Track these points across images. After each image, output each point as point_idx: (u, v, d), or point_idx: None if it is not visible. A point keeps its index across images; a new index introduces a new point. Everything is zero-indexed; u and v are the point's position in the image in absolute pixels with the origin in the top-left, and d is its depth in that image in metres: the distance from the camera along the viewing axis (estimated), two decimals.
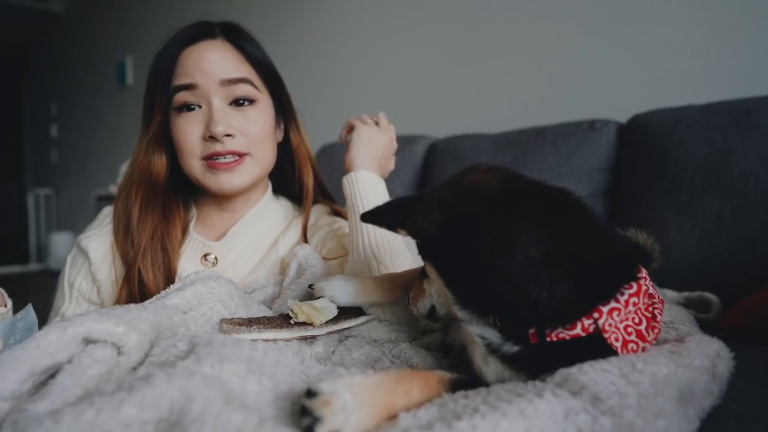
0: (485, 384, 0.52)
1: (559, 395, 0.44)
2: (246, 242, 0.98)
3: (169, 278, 0.89)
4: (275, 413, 0.44)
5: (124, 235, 0.92)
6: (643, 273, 0.56)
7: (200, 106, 0.89)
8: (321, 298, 0.72)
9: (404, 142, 1.85)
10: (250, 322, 0.68)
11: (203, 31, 0.92)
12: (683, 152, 1.29)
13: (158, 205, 0.93)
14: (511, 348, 0.52)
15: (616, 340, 0.50)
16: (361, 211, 0.84)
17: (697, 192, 1.26)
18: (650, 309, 0.55)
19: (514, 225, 0.50)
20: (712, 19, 1.59)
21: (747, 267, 1.16)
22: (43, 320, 0.72)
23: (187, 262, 0.94)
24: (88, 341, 0.50)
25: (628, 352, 0.52)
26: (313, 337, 0.67)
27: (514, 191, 0.54)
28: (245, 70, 0.92)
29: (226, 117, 0.88)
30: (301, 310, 0.68)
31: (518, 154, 1.59)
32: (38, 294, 3.59)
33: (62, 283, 0.94)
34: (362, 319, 0.74)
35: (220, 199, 0.97)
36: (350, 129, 0.98)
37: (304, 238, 0.99)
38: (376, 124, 0.98)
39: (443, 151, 1.82)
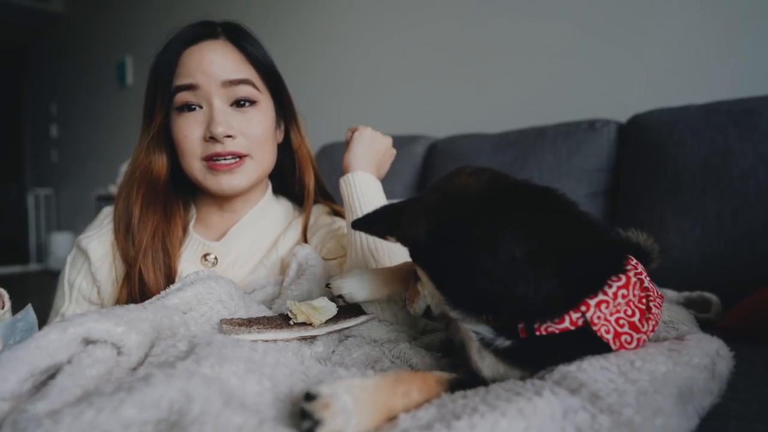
0: (484, 383, 0.52)
1: (557, 393, 0.44)
2: (246, 242, 0.98)
3: (170, 278, 0.89)
4: (275, 414, 0.44)
5: (124, 234, 0.92)
6: (636, 265, 0.57)
7: (201, 107, 0.89)
8: (320, 298, 0.72)
9: (404, 142, 1.86)
10: (249, 323, 0.68)
11: (205, 31, 0.92)
12: (683, 152, 1.29)
13: (159, 204, 0.93)
14: (503, 342, 0.53)
15: (607, 332, 0.51)
16: (359, 213, 0.85)
17: (697, 192, 1.25)
18: (643, 300, 0.55)
19: (497, 227, 0.51)
20: (711, 19, 1.59)
21: (747, 267, 1.16)
22: (43, 320, 0.72)
23: (187, 262, 0.94)
24: (87, 341, 0.50)
25: (621, 343, 0.52)
26: (313, 337, 0.67)
27: (497, 193, 0.56)
28: (246, 71, 0.92)
29: (226, 118, 0.88)
30: (300, 311, 0.68)
31: (518, 154, 1.59)
32: (38, 294, 3.60)
33: (62, 283, 0.94)
34: (362, 318, 0.74)
35: (220, 199, 0.97)
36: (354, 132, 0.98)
37: (304, 238, 0.99)
38: None
39: (443, 151, 1.82)
